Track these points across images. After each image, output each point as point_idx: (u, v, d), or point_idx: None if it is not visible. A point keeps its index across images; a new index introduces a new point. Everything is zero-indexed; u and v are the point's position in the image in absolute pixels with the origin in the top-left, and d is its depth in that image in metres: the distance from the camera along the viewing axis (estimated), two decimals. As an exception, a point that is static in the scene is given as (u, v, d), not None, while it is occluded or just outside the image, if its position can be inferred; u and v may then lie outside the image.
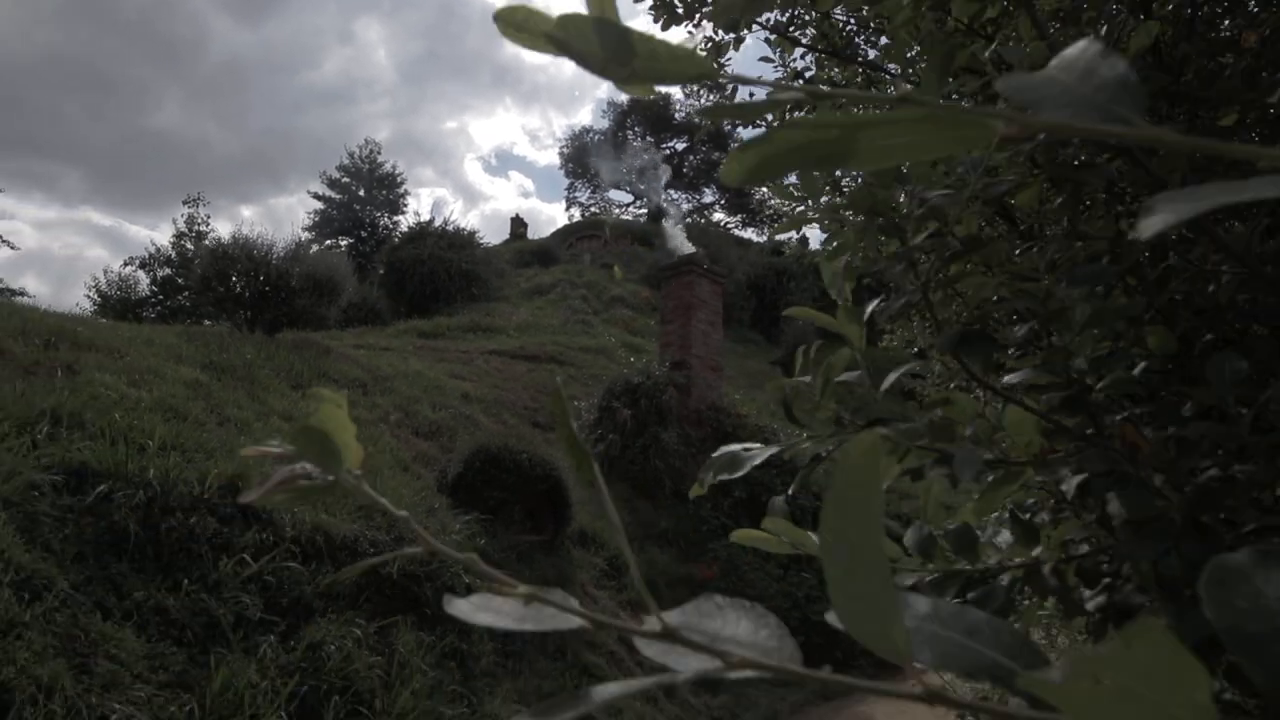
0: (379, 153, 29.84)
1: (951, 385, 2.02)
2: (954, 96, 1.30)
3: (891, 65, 1.99)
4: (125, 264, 21.71)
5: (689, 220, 35.25)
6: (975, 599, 0.78)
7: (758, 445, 0.78)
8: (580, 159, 40.73)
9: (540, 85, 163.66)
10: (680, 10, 2.42)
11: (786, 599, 7.29)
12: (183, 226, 21.61)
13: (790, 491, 0.77)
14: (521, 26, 0.28)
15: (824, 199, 1.04)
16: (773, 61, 2.69)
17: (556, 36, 0.27)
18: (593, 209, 38.28)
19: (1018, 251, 0.95)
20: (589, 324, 17.56)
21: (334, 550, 4.32)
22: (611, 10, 0.27)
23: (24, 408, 4.26)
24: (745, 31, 2.22)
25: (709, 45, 2.46)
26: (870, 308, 0.78)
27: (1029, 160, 0.75)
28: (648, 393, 8.75)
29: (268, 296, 9.08)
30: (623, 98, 43.28)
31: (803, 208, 1.05)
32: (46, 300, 32.44)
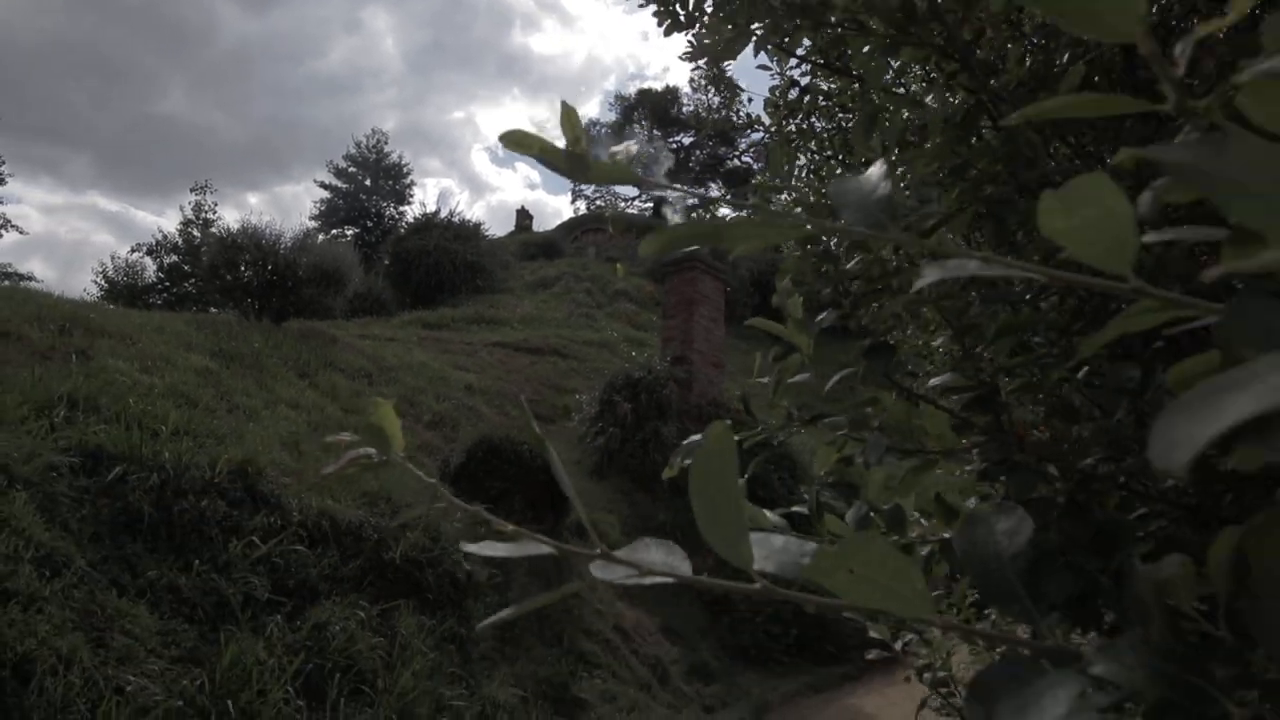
0: (385, 142, 30.06)
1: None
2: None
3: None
4: (132, 250, 21.91)
5: (693, 216, 35.23)
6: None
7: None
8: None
9: (548, 76, 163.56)
10: (683, 19, 2.54)
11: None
12: (190, 214, 21.79)
13: (745, 476, 0.89)
14: (520, 144, 0.41)
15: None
16: (770, 69, 2.81)
17: (543, 156, 0.40)
18: (598, 202, 38.38)
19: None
20: (592, 317, 17.68)
21: (339, 535, 4.46)
22: (581, 135, 0.39)
23: (42, 392, 4.40)
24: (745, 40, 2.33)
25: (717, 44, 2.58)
26: (820, 320, 0.90)
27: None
28: (649, 387, 8.84)
29: (275, 285, 9.20)
30: (630, 90, 43.16)
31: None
32: (53, 285, 32.65)
